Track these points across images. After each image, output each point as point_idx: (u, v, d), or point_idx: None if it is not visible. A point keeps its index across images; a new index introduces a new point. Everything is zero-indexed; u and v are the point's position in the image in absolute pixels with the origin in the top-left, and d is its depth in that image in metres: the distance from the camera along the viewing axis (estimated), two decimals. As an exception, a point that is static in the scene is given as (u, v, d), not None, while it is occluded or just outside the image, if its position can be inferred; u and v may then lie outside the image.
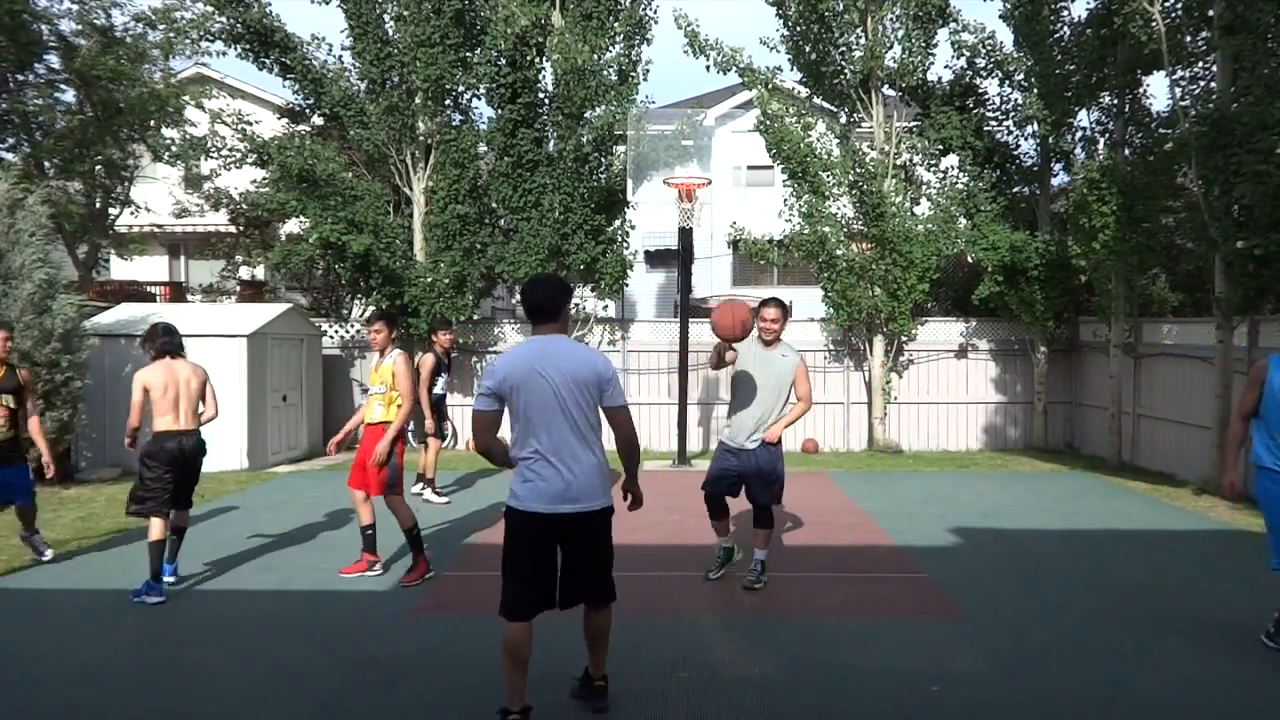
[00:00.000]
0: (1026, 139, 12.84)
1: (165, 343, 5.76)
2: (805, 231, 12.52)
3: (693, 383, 12.67)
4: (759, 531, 5.89)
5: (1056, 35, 11.73)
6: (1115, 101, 11.22)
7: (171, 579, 5.79)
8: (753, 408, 5.63)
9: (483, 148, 13.24)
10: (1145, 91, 11.19)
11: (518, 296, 16.10)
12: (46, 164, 12.40)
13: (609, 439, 3.67)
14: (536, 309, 3.77)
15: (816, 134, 12.58)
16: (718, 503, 5.86)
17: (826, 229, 12.44)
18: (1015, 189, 13.10)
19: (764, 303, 5.78)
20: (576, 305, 13.33)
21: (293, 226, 15.86)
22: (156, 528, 5.49)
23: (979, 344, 13.39)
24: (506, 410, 3.70)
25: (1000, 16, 12.48)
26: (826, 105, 13.41)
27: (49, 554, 6.47)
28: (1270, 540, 4.79)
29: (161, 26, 12.65)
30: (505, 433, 3.72)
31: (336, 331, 13.57)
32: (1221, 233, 8.95)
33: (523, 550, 3.67)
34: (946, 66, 13.78)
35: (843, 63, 12.59)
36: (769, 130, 12.37)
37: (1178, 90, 9.73)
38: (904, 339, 13.07)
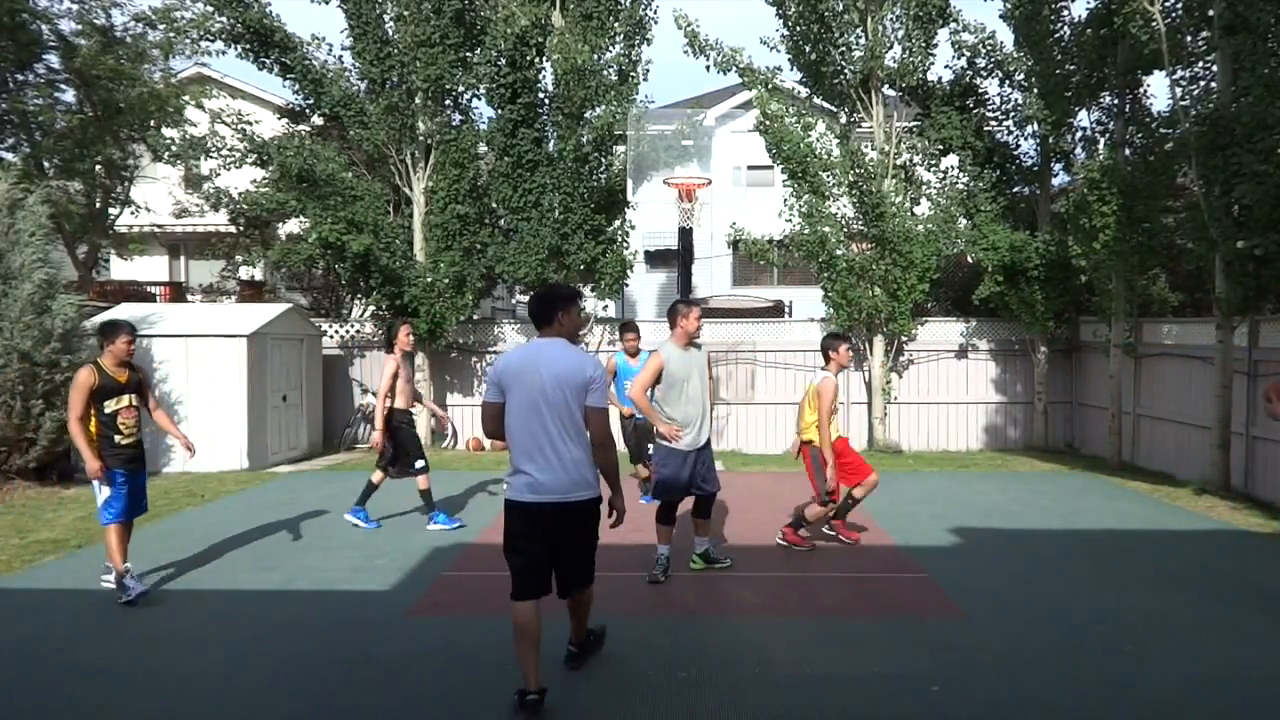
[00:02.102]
0: (1026, 139, 12.85)
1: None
2: (805, 231, 12.51)
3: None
4: (703, 521, 6.19)
5: (1056, 35, 11.72)
6: (1115, 101, 11.22)
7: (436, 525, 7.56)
8: (697, 409, 5.85)
9: (483, 148, 13.24)
10: (1145, 91, 11.19)
11: (518, 297, 16.16)
12: (46, 164, 12.41)
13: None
14: (532, 316, 4.15)
15: (816, 134, 12.57)
16: (672, 509, 6.03)
17: (826, 229, 12.44)
18: (1015, 189, 13.10)
19: (693, 303, 6.12)
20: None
21: (293, 226, 15.87)
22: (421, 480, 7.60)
23: (979, 344, 13.40)
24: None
25: (1000, 16, 12.48)
26: (826, 105, 13.41)
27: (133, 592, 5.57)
28: None
29: (161, 26, 12.66)
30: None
31: (336, 331, 13.58)
32: (1221, 233, 8.95)
33: (515, 536, 3.99)
34: (946, 66, 13.80)
35: (843, 63, 12.59)
36: (769, 130, 12.37)
37: (1178, 90, 9.72)
38: (904, 339, 13.07)
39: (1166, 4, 9.61)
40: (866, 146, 12.91)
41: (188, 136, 13.63)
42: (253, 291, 17.00)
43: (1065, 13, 11.70)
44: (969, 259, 13.83)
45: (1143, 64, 10.63)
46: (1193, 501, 8.89)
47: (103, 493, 5.51)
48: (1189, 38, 9.67)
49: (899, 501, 8.85)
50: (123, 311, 11.63)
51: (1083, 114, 11.85)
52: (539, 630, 3.91)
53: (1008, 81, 12.72)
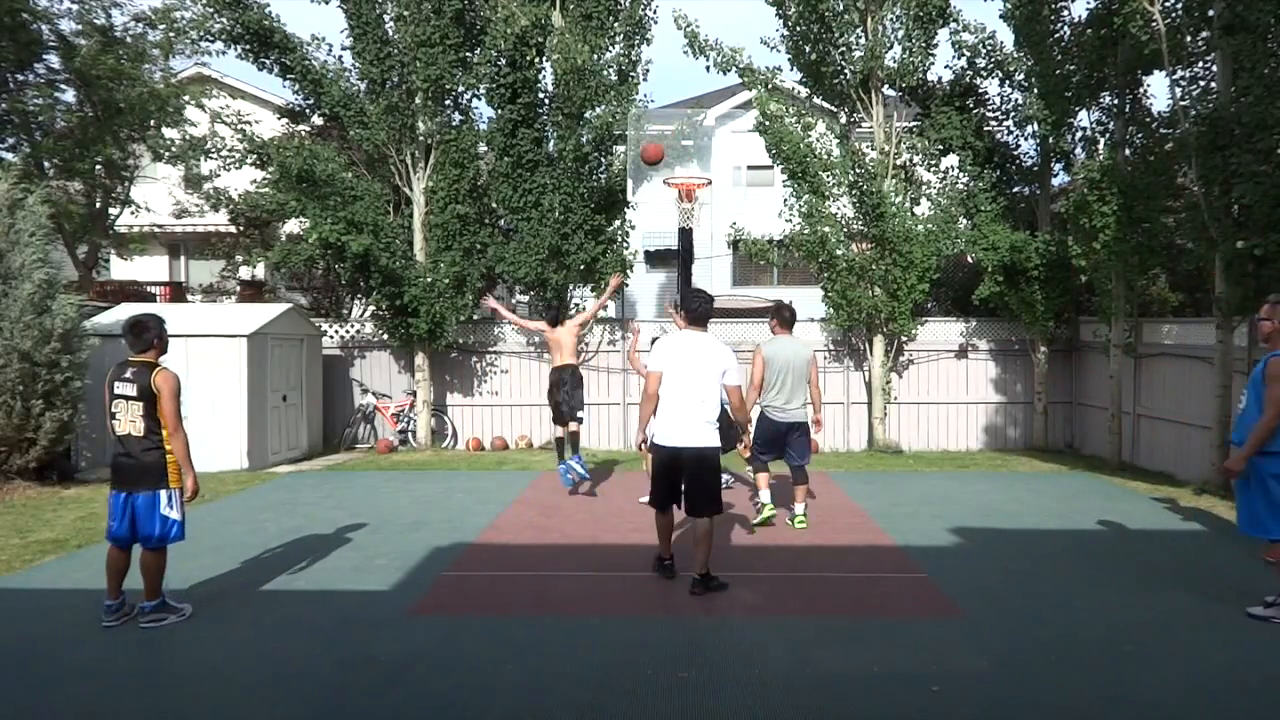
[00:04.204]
0: (1026, 139, 12.85)
1: (551, 315, 9.18)
2: (805, 231, 12.51)
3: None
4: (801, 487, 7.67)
5: (1056, 35, 11.71)
6: (1115, 101, 11.21)
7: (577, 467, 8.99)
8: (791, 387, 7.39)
9: (483, 148, 13.23)
10: (1145, 91, 11.18)
11: (518, 297, 16.15)
12: (46, 164, 12.42)
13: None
14: (698, 316, 5.79)
15: (816, 134, 12.58)
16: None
17: (826, 229, 12.44)
18: (1015, 189, 13.10)
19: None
20: (576, 305, 13.34)
21: (293, 226, 15.87)
22: (559, 430, 9.16)
23: (979, 344, 13.40)
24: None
25: (1000, 16, 12.47)
26: (826, 105, 13.41)
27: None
28: None
29: (161, 26, 12.67)
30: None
31: (336, 331, 13.57)
32: (1221, 233, 8.95)
33: (657, 468, 5.79)
34: (947, 66, 13.79)
35: (843, 63, 12.58)
36: (769, 130, 12.37)
37: (1178, 90, 9.72)
38: (904, 339, 13.07)
39: (1166, 4, 9.61)
40: (866, 146, 12.91)
41: (188, 137, 13.64)
42: (253, 291, 17.02)
43: (1065, 13, 11.68)
44: (969, 259, 13.83)
45: (1143, 64, 10.63)
46: (1193, 501, 8.89)
47: (182, 510, 5.12)
48: (1189, 38, 9.67)
49: (899, 501, 8.86)
50: (123, 311, 11.64)
51: (1083, 114, 11.84)
52: (671, 526, 5.96)
53: (1008, 81, 12.71)
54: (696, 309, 5.82)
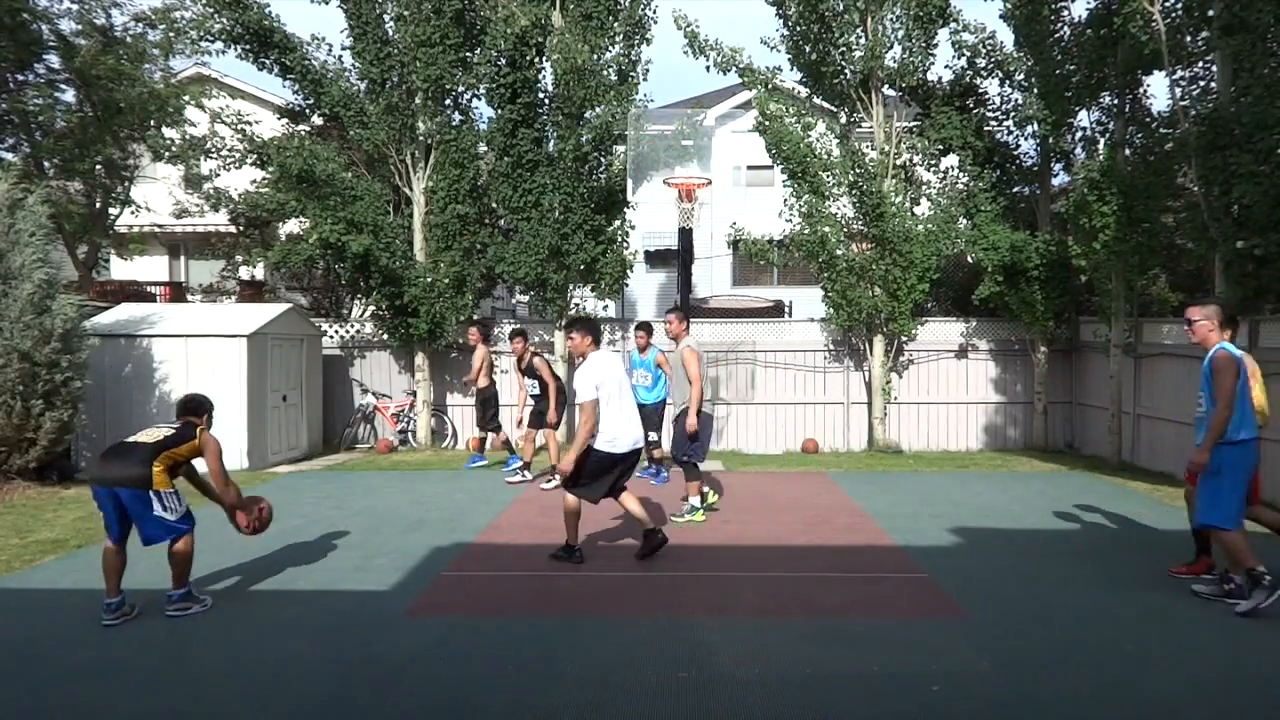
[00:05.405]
0: (1026, 139, 12.83)
1: (486, 333, 11.21)
2: (805, 231, 12.51)
3: (693, 383, 12.67)
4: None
5: (1056, 35, 11.71)
6: (1115, 101, 11.21)
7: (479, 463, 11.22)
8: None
9: (483, 148, 13.23)
10: (1145, 91, 11.18)
11: (518, 297, 16.18)
12: (46, 164, 12.41)
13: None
14: (597, 339, 6.41)
15: (816, 134, 12.57)
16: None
17: (826, 229, 12.44)
18: (1015, 189, 13.09)
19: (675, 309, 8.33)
20: (577, 305, 13.36)
21: (293, 226, 15.87)
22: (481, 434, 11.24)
23: (979, 344, 13.39)
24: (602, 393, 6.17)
25: (1000, 16, 12.47)
26: (826, 105, 13.41)
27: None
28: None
29: (161, 26, 12.67)
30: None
31: (336, 331, 13.57)
32: (1221, 233, 8.94)
33: (600, 471, 6.23)
34: (947, 66, 13.77)
35: (843, 63, 12.58)
36: (769, 130, 12.37)
37: (1178, 90, 9.72)
38: (904, 339, 13.07)
39: (1166, 4, 9.61)
40: (866, 146, 12.91)
41: (188, 137, 13.64)
42: (253, 291, 17.01)
43: (1065, 13, 11.68)
44: (969, 259, 13.83)
45: (1143, 64, 10.62)
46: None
47: (175, 508, 5.25)
48: (1189, 38, 9.67)
49: (899, 501, 8.85)
50: (123, 311, 11.64)
51: (1083, 114, 11.84)
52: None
53: (1008, 81, 12.71)
54: (597, 332, 6.51)
